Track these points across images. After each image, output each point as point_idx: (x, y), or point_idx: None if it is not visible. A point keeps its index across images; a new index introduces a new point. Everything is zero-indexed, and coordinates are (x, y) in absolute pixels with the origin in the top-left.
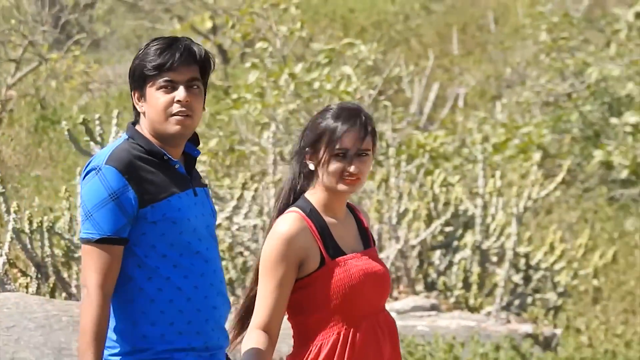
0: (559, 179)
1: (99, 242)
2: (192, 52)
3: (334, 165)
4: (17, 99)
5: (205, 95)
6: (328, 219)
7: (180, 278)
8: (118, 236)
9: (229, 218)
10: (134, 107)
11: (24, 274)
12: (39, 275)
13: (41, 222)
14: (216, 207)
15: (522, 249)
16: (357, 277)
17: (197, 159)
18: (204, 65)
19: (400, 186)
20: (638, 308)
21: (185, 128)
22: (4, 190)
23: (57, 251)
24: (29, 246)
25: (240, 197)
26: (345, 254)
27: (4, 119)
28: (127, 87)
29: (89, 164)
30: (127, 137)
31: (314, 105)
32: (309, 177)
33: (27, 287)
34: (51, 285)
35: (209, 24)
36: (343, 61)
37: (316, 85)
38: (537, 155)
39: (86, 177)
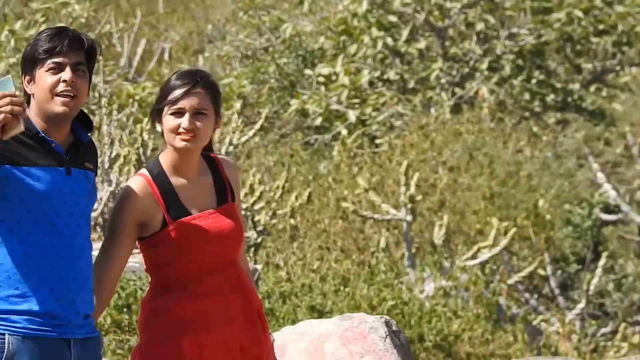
0: (257, 126)
1: None
2: (79, 39)
3: (170, 122)
4: None
5: (90, 80)
6: (176, 180)
7: (31, 246)
8: None
9: None
10: (25, 92)
11: None
12: None
13: None
14: None
15: None
16: (195, 237)
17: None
18: (90, 52)
19: (112, 133)
20: (332, 245)
21: (69, 109)
22: None
23: None
24: None
25: None
26: (191, 214)
27: None
28: None
29: None
30: None
31: None
32: (162, 137)
33: None
34: None
35: None
36: (59, 19)
37: None
38: (237, 105)
39: None
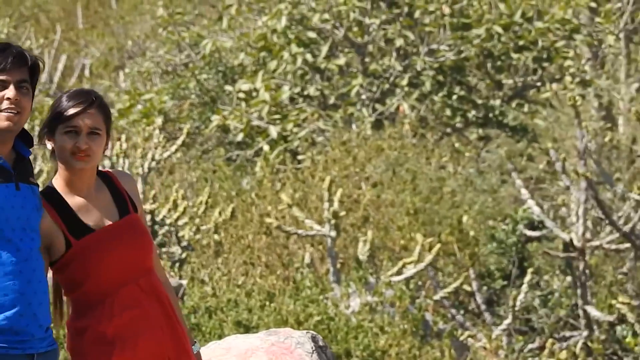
0: (179, 141)
1: None
2: (23, 57)
3: (66, 142)
4: None
5: (33, 96)
6: (72, 199)
7: None
8: None
9: None
10: None
11: None
12: None
13: None
14: None
15: (147, 206)
16: (101, 253)
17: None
18: (33, 68)
19: (35, 149)
20: (256, 260)
21: (13, 124)
22: None
23: None
24: None
25: None
26: (93, 231)
27: None
28: None
29: None
30: None
31: None
32: (54, 157)
33: None
34: None
35: None
36: None
37: None
38: (159, 120)
39: None
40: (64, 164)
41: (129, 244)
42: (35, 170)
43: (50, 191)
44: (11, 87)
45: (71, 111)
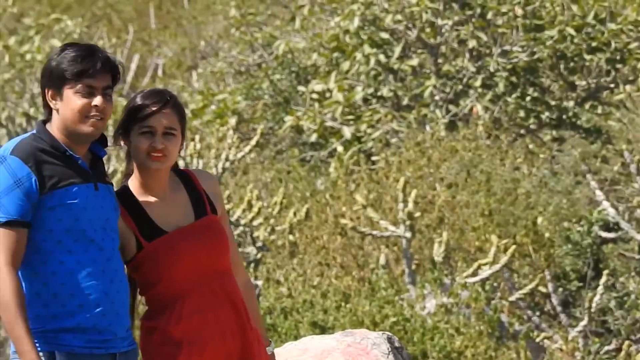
0: (253, 142)
1: (6, 224)
2: (109, 62)
3: (142, 143)
4: None
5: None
6: (146, 199)
7: (73, 263)
8: (23, 219)
9: None
10: (45, 105)
11: None
12: None
13: None
14: None
15: None
16: (173, 255)
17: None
18: (115, 73)
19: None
20: (332, 261)
21: (97, 130)
22: None
23: None
24: None
25: None
26: (167, 232)
27: None
28: None
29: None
30: (34, 132)
31: (27, 75)
32: (129, 158)
33: None
34: None
35: None
36: (51, 35)
37: (28, 57)
38: (232, 120)
39: None
40: (140, 164)
41: (202, 246)
42: (110, 170)
43: (124, 191)
44: (98, 95)
45: (146, 111)
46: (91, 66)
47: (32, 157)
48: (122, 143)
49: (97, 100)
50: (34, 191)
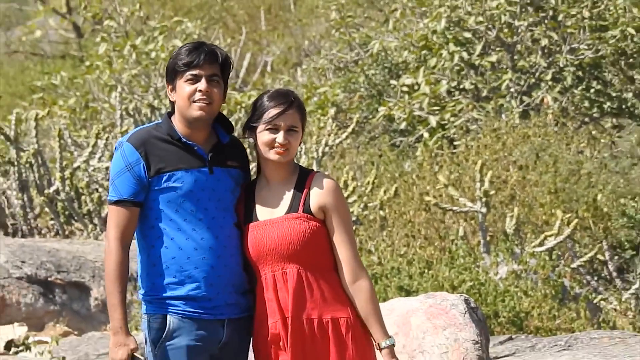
0: (349, 129)
1: (117, 203)
2: (214, 54)
3: (266, 137)
4: None
5: (226, 89)
6: (260, 189)
7: (183, 240)
8: (133, 199)
9: (86, 161)
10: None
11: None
12: None
13: None
14: (75, 153)
15: None
16: (250, 242)
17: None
18: (224, 64)
19: None
20: (416, 234)
21: (205, 113)
22: None
23: None
24: None
25: (95, 144)
26: (258, 220)
27: None
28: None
29: (119, 141)
30: (159, 122)
31: (152, 71)
32: (257, 150)
33: None
34: None
35: (64, 6)
36: (173, 35)
37: (153, 54)
38: (332, 111)
39: (115, 151)
40: (263, 157)
41: (269, 242)
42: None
43: (251, 179)
44: (203, 80)
45: (272, 112)
46: (196, 57)
47: (143, 144)
48: (249, 138)
49: (202, 84)
50: (142, 175)
